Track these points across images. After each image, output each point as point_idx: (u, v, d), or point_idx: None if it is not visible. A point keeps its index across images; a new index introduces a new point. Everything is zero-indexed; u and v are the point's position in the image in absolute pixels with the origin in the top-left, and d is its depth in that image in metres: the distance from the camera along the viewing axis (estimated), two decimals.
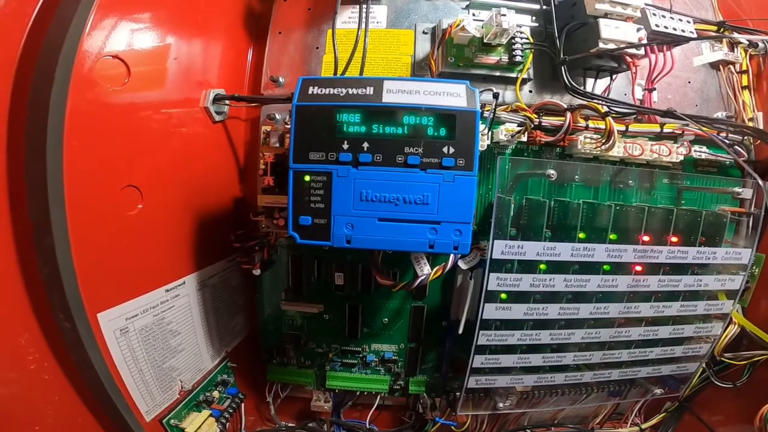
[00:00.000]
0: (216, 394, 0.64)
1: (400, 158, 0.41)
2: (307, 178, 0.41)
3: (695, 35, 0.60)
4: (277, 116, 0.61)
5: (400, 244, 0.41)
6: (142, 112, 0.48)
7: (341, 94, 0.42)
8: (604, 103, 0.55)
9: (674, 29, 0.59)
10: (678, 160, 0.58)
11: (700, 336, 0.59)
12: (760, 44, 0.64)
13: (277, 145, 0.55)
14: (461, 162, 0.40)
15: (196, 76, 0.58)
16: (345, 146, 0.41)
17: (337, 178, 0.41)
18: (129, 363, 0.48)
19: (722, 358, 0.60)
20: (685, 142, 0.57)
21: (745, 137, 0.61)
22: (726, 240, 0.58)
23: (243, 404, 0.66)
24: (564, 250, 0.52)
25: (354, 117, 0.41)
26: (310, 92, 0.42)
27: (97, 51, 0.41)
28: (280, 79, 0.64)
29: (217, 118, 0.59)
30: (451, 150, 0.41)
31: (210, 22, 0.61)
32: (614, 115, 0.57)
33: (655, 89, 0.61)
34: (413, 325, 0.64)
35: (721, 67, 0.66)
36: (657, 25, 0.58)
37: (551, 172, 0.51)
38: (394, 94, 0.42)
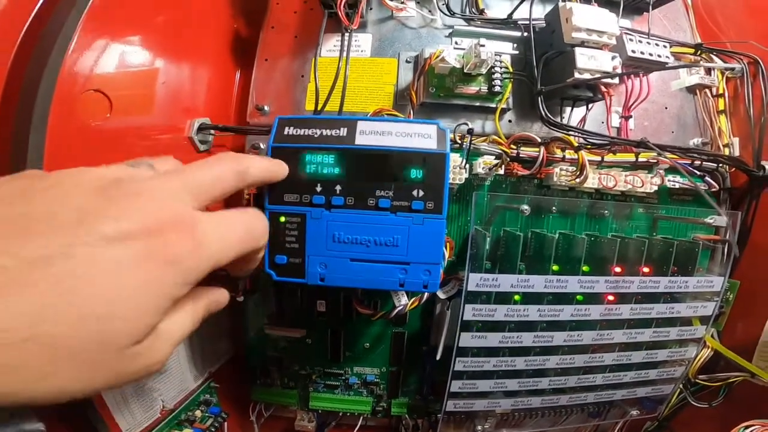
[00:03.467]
0: (198, 413, 0.66)
1: (371, 201, 0.43)
2: (283, 219, 0.43)
3: (671, 60, 0.62)
4: (262, 146, 0.63)
5: (372, 282, 0.43)
6: (124, 142, 0.49)
7: (315, 136, 0.44)
8: (578, 135, 0.57)
9: (650, 54, 0.61)
10: (652, 191, 0.60)
11: (674, 360, 0.61)
12: (737, 66, 0.66)
13: None
14: (430, 205, 0.42)
15: (183, 102, 0.59)
16: (318, 189, 0.43)
17: (311, 220, 0.43)
18: None
19: (697, 380, 0.62)
20: (659, 172, 0.59)
21: (720, 165, 0.63)
22: (699, 269, 0.60)
23: (226, 423, 0.68)
24: (537, 283, 0.54)
25: (327, 159, 0.43)
26: (285, 132, 0.44)
27: (81, 84, 0.42)
28: (266, 108, 0.66)
29: (202, 147, 0.61)
30: (421, 193, 0.43)
31: (198, 47, 0.63)
32: (589, 147, 0.59)
33: (631, 116, 0.63)
34: (394, 349, 0.66)
35: (697, 91, 0.67)
36: (633, 51, 0.60)
37: (525, 207, 0.53)
38: (366, 135, 0.44)
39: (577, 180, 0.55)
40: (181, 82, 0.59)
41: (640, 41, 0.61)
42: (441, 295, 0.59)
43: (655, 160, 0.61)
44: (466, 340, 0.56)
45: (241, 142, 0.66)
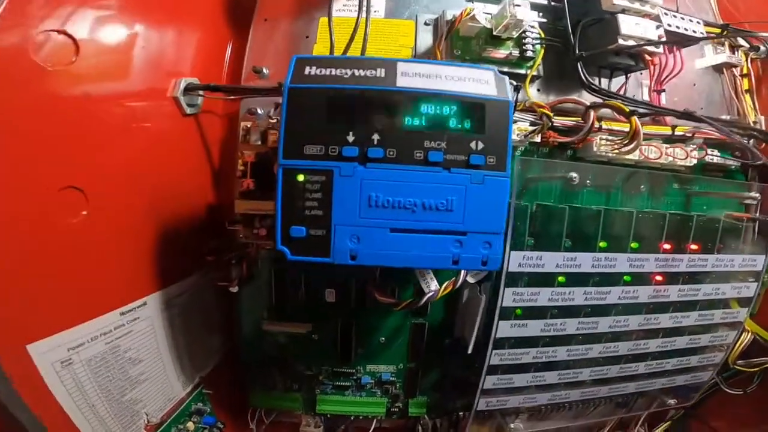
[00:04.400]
0: (190, 425, 0.51)
1: (418, 154, 0.30)
2: (301, 177, 0.30)
3: (705, 36, 0.54)
4: (259, 111, 0.49)
5: (418, 260, 0.31)
6: (92, 101, 0.36)
7: (346, 76, 0.31)
8: (624, 102, 0.47)
9: (685, 29, 0.53)
10: (692, 164, 0.51)
11: (715, 345, 0.52)
12: (762, 47, 0.59)
13: (259, 142, 0.44)
14: (492, 160, 0.31)
15: (166, 65, 0.45)
16: (350, 138, 0.30)
17: (340, 178, 0.30)
18: (76, 399, 0.37)
19: (735, 366, 0.53)
20: (703, 145, 0.50)
21: (751, 141, 0.56)
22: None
23: None
24: (585, 261, 0.43)
25: (362, 102, 0.30)
26: (306, 72, 0.32)
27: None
28: (264, 71, 0.52)
29: (189, 110, 0.47)
30: (480, 146, 0.31)
31: (184, 4, 0.49)
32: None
33: (664, 90, 0.55)
34: (413, 343, 0.54)
35: (724, 70, 0.60)
36: (669, 25, 0.52)
37: (574, 175, 0.42)
38: (410, 77, 0.32)
39: (626, 148, 0.45)
40: (164, 43, 0.45)
41: (675, 16, 0.53)
42: (470, 279, 0.47)
43: (691, 134, 0.52)
44: (505, 329, 0.44)
45: (235, 108, 0.51)
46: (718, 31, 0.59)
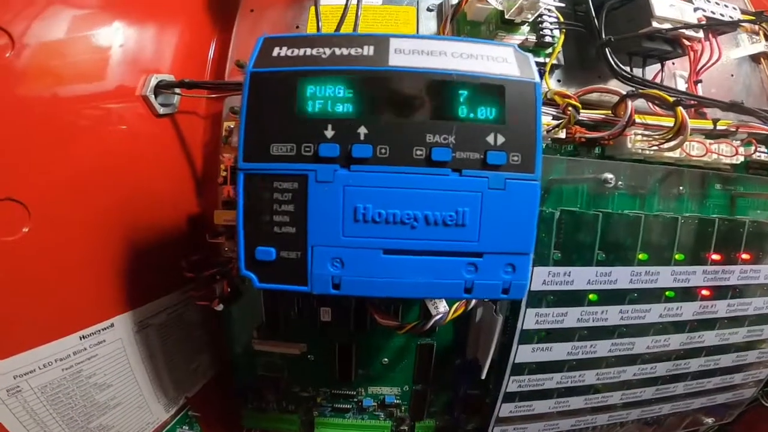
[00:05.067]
0: None
1: (419, 152, 0.22)
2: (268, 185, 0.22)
3: (743, 20, 0.44)
4: None
5: (420, 289, 0.22)
6: (35, 101, 0.29)
7: (324, 56, 0.23)
8: (666, 91, 0.37)
9: (722, 15, 0.43)
10: (738, 162, 0.41)
11: (761, 361, 0.42)
12: None
13: None
14: (516, 158, 0.22)
15: (135, 61, 0.37)
16: (329, 133, 0.22)
17: (316, 185, 0.21)
18: (30, 427, 0.32)
19: None
20: (752, 140, 0.40)
21: None
22: None
23: None
24: (622, 276, 0.34)
25: (343, 89, 0.22)
26: (275, 54, 0.23)
27: None
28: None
29: (162, 110, 0.39)
30: (500, 140, 0.22)
31: None
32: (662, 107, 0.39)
33: (701, 81, 0.45)
34: (420, 365, 0.45)
35: (762, 59, 0.50)
36: (704, 10, 0.42)
37: (609, 176, 0.33)
38: (406, 55, 0.23)
39: (669, 144, 0.36)
40: (131, 35, 0.37)
41: (708, 1, 0.43)
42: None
43: (735, 128, 0.42)
44: (525, 353, 0.36)
45: (218, 108, 0.43)
46: (752, 18, 0.49)
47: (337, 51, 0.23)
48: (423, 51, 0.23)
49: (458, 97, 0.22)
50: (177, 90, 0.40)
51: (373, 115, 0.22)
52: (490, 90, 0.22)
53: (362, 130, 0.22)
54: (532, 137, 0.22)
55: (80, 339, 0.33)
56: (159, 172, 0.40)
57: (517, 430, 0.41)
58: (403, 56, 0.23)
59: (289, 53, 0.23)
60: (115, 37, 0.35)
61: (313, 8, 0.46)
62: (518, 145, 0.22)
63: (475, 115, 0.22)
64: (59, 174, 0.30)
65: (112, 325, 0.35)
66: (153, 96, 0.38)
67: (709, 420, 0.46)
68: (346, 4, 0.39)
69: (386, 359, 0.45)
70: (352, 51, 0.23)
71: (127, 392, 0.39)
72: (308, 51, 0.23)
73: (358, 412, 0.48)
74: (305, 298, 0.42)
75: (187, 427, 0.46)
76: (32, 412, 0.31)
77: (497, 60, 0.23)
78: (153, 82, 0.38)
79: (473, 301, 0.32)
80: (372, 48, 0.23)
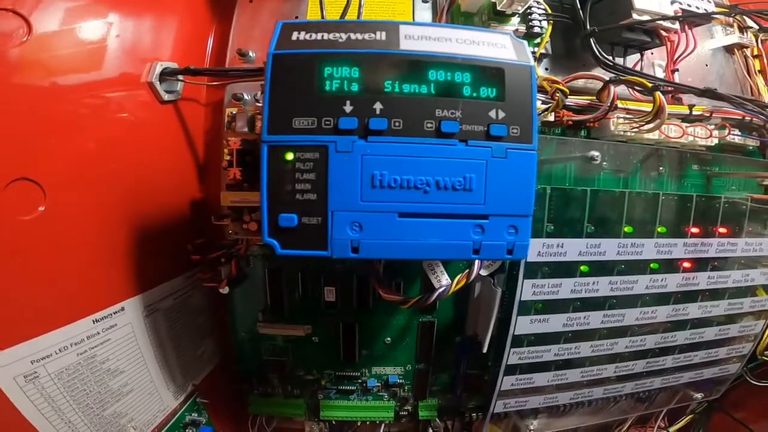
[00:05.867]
0: None
1: (429, 125, 0.24)
2: (290, 155, 0.24)
3: (718, 12, 0.49)
4: (245, 95, 0.43)
5: (433, 250, 0.25)
6: (51, 86, 0.30)
7: (341, 40, 0.25)
8: (645, 78, 0.41)
9: (697, 7, 0.47)
10: (712, 144, 0.45)
11: (743, 335, 0.47)
12: None
13: (245, 129, 0.37)
14: (515, 131, 0.25)
15: (140, 49, 0.39)
16: (348, 108, 0.24)
17: (336, 155, 0.24)
18: (49, 415, 0.32)
19: (762, 357, 0.48)
20: (725, 124, 0.45)
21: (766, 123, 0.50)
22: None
23: None
24: (610, 248, 0.38)
25: (360, 70, 0.24)
26: (294, 38, 0.25)
27: None
28: (250, 54, 0.46)
29: (167, 97, 0.40)
30: (501, 114, 0.25)
31: None
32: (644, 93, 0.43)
33: (677, 70, 0.49)
34: (421, 343, 0.47)
35: (735, 50, 0.55)
36: (680, 3, 0.47)
37: (595, 153, 0.36)
38: (415, 41, 0.26)
39: (648, 126, 0.39)
40: (137, 24, 0.39)
41: None
42: (483, 271, 0.41)
43: (709, 113, 0.47)
44: (524, 325, 0.38)
45: (219, 95, 0.45)
46: (726, 11, 0.54)
47: (353, 36, 0.26)
48: (429, 37, 0.26)
49: (463, 78, 0.25)
50: (181, 77, 0.41)
51: (387, 92, 0.24)
52: (492, 72, 0.25)
53: (378, 106, 0.24)
54: (529, 112, 0.25)
55: (93, 323, 0.34)
56: (163, 157, 0.41)
57: (518, 403, 0.44)
58: (413, 41, 0.26)
59: (307, 37, 0.26)
60: (118, 26, 0.37)
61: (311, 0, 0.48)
62: (517, 119, 0.25)
63: (479, 93, 0.25)
64: (71, 158, 0.31)
65: (122, 309, 0.36)
66: (158, 82, 0.39)
67: (698, 395, 0.50)
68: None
69: (389, 338, 0.47)
70: (366, 36, 0.26)
71: (138, 378, 0.40)
72: (325, 36, 0.26)
73: (362, 393, 0.50)
74: (309, 278, 0.44)
75: (195, 414, 0.47)
76: (50, 399, 0.32)
77: (496, 46, 0.26)
78: (158, 68, 0.39)
79: (474, 273, 0.35)
80: (384, 33, 0.26)
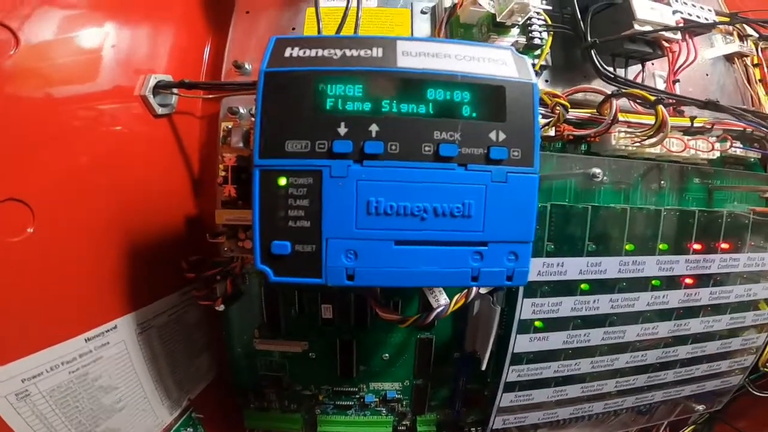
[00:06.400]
0: None
1: (427, 148, 0.23)
2: (283, 181, 0.23)
3: (719, 22, 0.48)
4: (241, 110, 0.42)
5: (430, 278, 0.24)
6: (39, 100, 0.29)
7: (335, 57, 0.24)
8: (647, 91, 0.40)
9: (697, 17, 0.47)
10: (714, 157, 0.45)
11: (745, 348, 0.46)
12: None
13: (241, 144, 0.37)
14: (516, 154, 0.24)
15: (133, 61, 0.38)
16: (342, 131, 0.23)
17: (331, 180, 0.23)
18: None
19: (765, 368, 0.47)
20: (727, 136, 0.44)
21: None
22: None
23: None
24: (611, 266, 0.37)
25: (355, 88, 0.24)
26: (287, 55, 0.25)
27: None
28: (246, 66, 0.45)
29: (161, 111, 0.39)
30: (501, 136, 0.24)
31: None
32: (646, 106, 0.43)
33: (678, 80, 0.48)
34: (420, 359, 0.46)
35: (735, 59, 0.54)
36: (681, 12, 0.46)
37: (597, 170, 0.35)
38: (413, 57, 0.25)
39: (651, 140, 0.39)
40: (130, 36, 0.38)
41: (685, 3, 0.47)
42: (482, 290, 0.40)
43: (710, 125, 0.46)
44: (523, 343, 0.38)
45: (215, 108, 0.44)
46: (727, 20, 0.53)
47: (348, 52, 0.25)
48: (428, 53, 0.25)
49: (463, 97, 0.24)
50: (175, 90, 0.40)
51: (383, 113, 0.23)
52: (492, 90, 0.24)
53: (374, 128, 0.23)
54: (531, 134, 0.24)
55: (85, 341, 0.33)
56: (157, 172, 0.40)
57: (518, 419, 0.43)
58: (410, 58, 0.25)
59: (301, 54, 0.25)
60: (112, 37, 0.36)
61: (308, 9, 0.48)
62: (518, 141, 0.24)
63: (478, 113, 0.24)
64: (61, 175, 0.31)
65: (115, 326, 0.36)
66: (152, 96, 0.39)
67: (700, 407, 0.50)
68: (347, 6, 0.41)
69: (387, 355, 0.47)
70: (362, 52, 0.25)
71: (132, 395, 0.39)
72: (320, 52, 0.25)
73: (360, 409, 0.50)
74: (306, 296, 0.44)
75: (191, 429, 0.47)
76: (42, 416, 0.31)
77: (497, 62, 0.25)
78: (152, 82, 0.39)
79: (473, 293, 0.34)
80: (380, 50, 0.25)
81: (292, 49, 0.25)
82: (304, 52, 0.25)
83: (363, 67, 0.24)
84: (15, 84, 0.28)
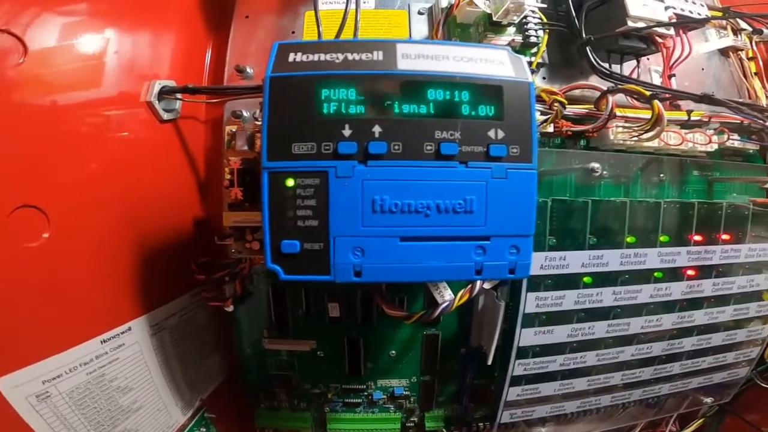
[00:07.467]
0: None
1: (429, 147, 0.24)
2: (291, 182, 0.24)
3: (712, 18, 0.49)
4: (245, 113, 0.43)
5: (435, 272, 0.25)
6: (50, 108, 0.30)
7: (337, 61, 0.25)
8: (642, 86, 0.41)
9: (690, 12, 0.47)
10: (712, 150, 0.45)
11: (751, 340, 0.46)
12: (765, 30, 0.54)
13: (245, 148, 0.37)
14: (515, 150, 0.25)
15: (137, 68, 0.39)
16: (347, 132, 0.24)
17: (337, 180, 0.24)
18: None
19: None
20: (723, 129, 0.45)
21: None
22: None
23: None
24: (612, 259, 0.37)
25: (358, 91, 0.24)
26: (291, 60, 0.25)
27: None
28: (248, 70, 0.46)
29: (166, 116, 0.40)
30: (500, 134, 0.25)
31: (155, 2, 0.43)
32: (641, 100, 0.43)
33: (674, 75, 0.49)
34: (426, 355, 0.47)
35: (730, 53, 0.54)
36: (674, 8, 0.46)
37: (596, 165, 0.36)
38: (413, 60, 0.25)
39: (647, 135, 0.39)
40: (134, 43, 0.39)
41: None
42: (486, 285, 0.40)
43: (708, 118, 0.47)
44: (528, 337, 0.38)
45: (218, 112, 0.45)
46: (720, 14, 0.53)
47: (350, 56, 0.25)
48: (427, 55, 0.26)
49: (462, 97, 0.25)
50: (179, 95, 0.41)
51: (386, 114, 0.24)
52: (490, 90, 0.25)
53: (377, 129, 0.24)
54: (528, 131, 0.25)
55: (101, 343, 0.34)
56: (164, 176, 0.41)
57: (525, 413, 0.44)
58: (410, 60, 0.26)
59: (304, 58, 0.26)
60: (114, 44, 0.37)
61: (307, 13, 0.49)
62: (516, 138, 0.25)
63: (477, 112, 0.25)
64: (73, 181, 0.32)
65: (129, 328, 0.37)
66: (157, 101, 0.40)
67: (708, 400, 0.50)
68: (346, 9, 0.41)
69: (393, 351, 0.47)
70: (363, 56, 0.25)
71: (147, 395, 0.40)
72: (322, 56, 0.25)
73: (368, 406, 0.50)
74: (313, 295, 0.44)
75: (204, 429, 0.47)
76: (62, 417, 0.32)
77: (494, 62, 0.26)
78: (157, 87, 0.40)
79: (477, 288, 0.35)
80: (381, 53, 0.26)
81: (296, 54, 0.26)
82: (307, 57, 0.26)
83: (365, 71, 0.25)
84: (25, 92, 0.29)
